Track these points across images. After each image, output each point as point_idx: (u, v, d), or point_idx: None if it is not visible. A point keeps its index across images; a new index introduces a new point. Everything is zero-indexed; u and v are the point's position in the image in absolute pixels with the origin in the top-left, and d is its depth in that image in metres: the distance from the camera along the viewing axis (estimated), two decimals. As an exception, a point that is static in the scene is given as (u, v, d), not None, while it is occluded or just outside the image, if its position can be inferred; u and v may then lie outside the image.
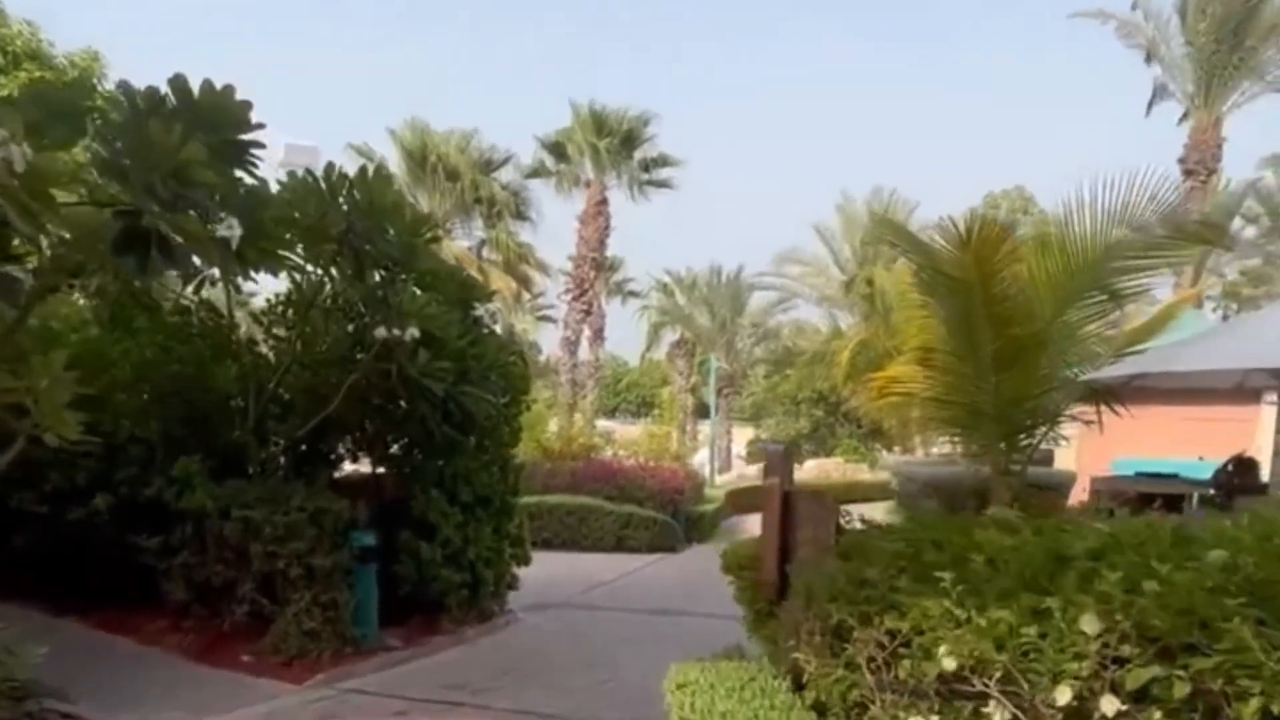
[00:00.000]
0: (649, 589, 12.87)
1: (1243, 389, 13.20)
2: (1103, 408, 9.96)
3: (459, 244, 31.83)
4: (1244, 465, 10.91)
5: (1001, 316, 8.65)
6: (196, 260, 7.67)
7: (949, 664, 3.21)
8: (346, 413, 8.77)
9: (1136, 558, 3.19)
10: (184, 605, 8.50)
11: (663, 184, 34.61)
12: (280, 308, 9.15)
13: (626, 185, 34.36)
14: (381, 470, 9.90)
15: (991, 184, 47.91)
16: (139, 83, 6.39)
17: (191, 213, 5.96)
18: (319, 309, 8.81)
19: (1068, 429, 10.34)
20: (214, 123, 6.39)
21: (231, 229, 6.06)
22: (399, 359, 7.77)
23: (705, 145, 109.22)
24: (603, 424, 34.48)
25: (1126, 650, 2.90)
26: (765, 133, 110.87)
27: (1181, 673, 2.84)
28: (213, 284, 8.33)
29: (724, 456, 40.70)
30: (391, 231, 7.78)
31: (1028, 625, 3.10)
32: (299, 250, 7.91)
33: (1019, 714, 3.10)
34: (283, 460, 9.03)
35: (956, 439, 10.80)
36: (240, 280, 8.12)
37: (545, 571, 11.37)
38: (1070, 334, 9.32)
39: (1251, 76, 25.50)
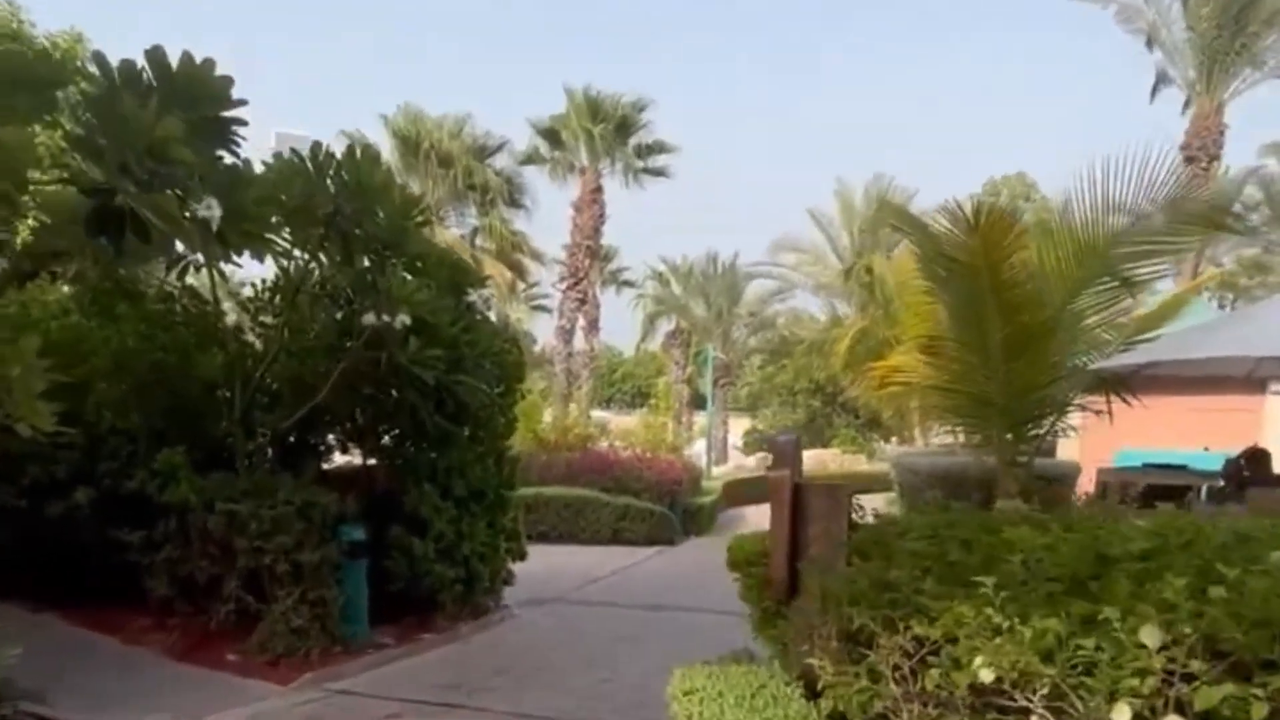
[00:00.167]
0: (648, 583, 12.64)
1: (1249, 380, 13.01)
2: (1113, 397, 9.75)
3: (452, 232, 31.40)
4: (1257, 457, 10.67)
5: (1011, 303, 8.42)
6: (180, 246, 7.49)
7: (986, 676, 2.92)
8: (335, 403, 8.52)
9: (1189, 558, 2.90)
10: (168, 602, 8.26)
11: (658, 172, 34.23)
12: (267, 294, 8.86)
13: (621, 172, 34.00)
14: (372, 462, 9.65)
15: (990, 172, 47.37)
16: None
17: (169, 192, 5.70)
18: (306, 295, 8.52)
19: (1073, 419, 10.10)
20: (193, 98, 6.12)
21: (211, 209, 5.80)
22: (389, 346, 7.51)
23: (701, 132, 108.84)
24: (597, 415, 34.34)
25: (1196, 666, 2.62)
26: (761, 119, 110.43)
27: (1259, 691, 2.56)
28: (197, 270, 8.05)
29: (720, 448, 40.47)
30: (381, 214, 7.51)
31: (1082, 636, 2.81)
32: (285, 234, 7.65)
33: (1067, 734, 2.81)
34: (270, 452, 8.76)
35: (961, 429, 10.54)
36: (227, 266, 7.86)
37: (541, 565, 11.13)
38: (1080, 321, 9.12)
39: (1254, 64, 25.24)
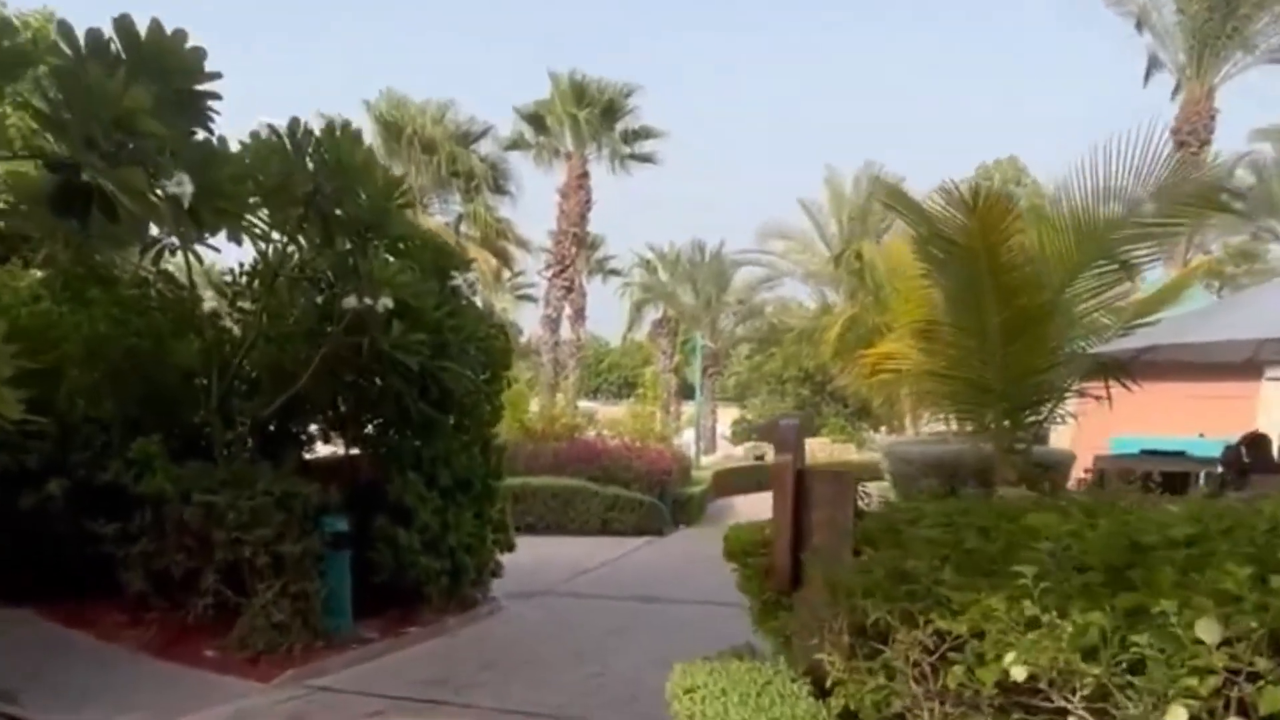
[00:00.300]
0: (638, 574, 12.43)
1: (1245, 365, 12.86)
2: (1112, 383, 9.60)
3: (436, 219, 31.05)
4: (1257, 442, 10.49)
5: (1009, 286, 8.29)
6: (155, 230, 7.19)
7: (1019, 673, 2.67)
8: (316, 390, 8.26)
9: (1235, 546, 2.67)
10: (144, 596, 8.02)
11: (645, 158, 33.95)
12: (245, 279, 8.58)
13: (608, 158, 33.71)
14: (355, 452, 9.40)
15: (981, 159, 47.15)
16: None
17: (137, 167, 5.40)
18: (285, 279, 8.24)
19: (1070, 405, 9.94)
20: (163, 70, 5.81)
21: (182, 185, 5.50)
22: (371, 331, 7.25)
23: (687, 119, 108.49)
24: (584, 405, 34.07)
25: (1261, 664, 2.38)
26: (747, 107, 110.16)
27: (1335, 693, 2.31)
28: (172, 254, 7.76)
29: (709, 437, 40.33)
30: (362, 194, 7.23)
31: (1128, 631, 2.57)
32: (263, 215, 7.36)
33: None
34: (249, 441, 8.47)
35: (957, 416, 10.38)
36: (208, 255, 7.62)
37: (529, 557, 10.88)
38: (1079, 305, 8.97)
39: (1245, 47, 25.11)
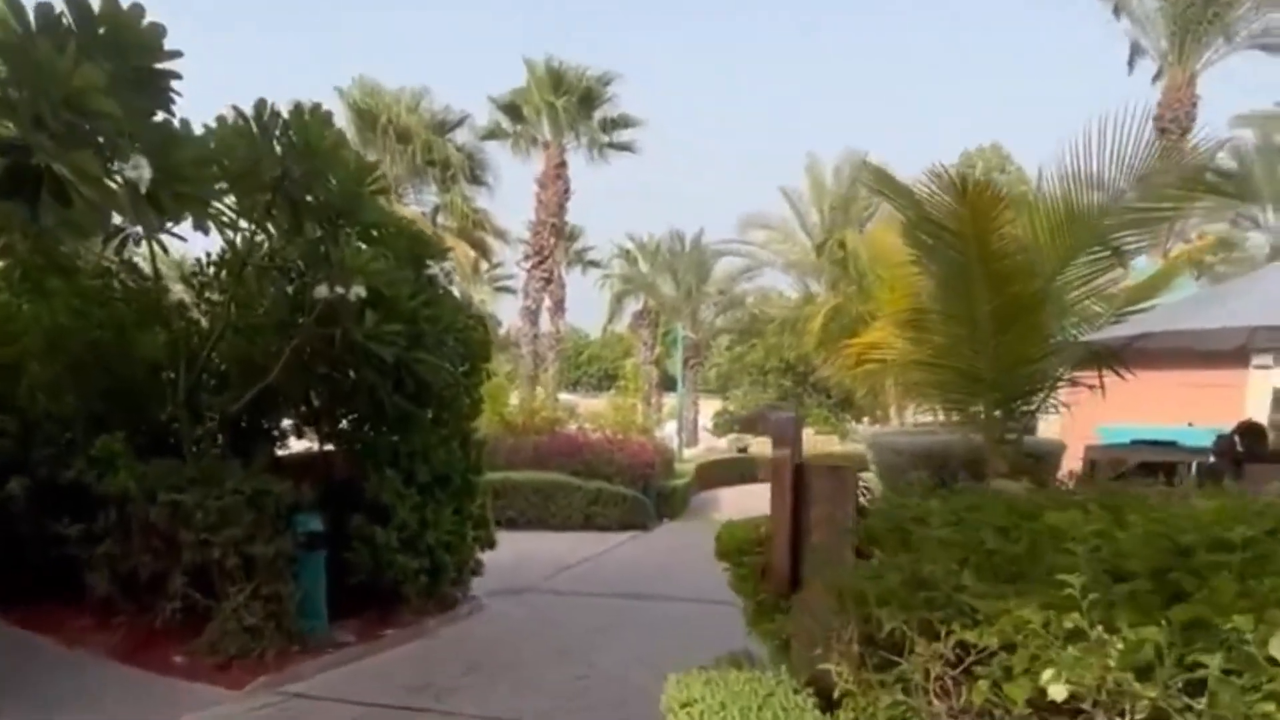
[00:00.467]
0: (622, 571, 12.19)
1: (1236, 354, 12.73)
2: (1105, 371, 9.42)
3: (411, 209, 30.58)
4: (1251, 432, 10.31)
5: (1000, 273, 8.09)
6: (118, 219, 6.86)
7: (1058, 692, 2.42)
8: (288, 383, 7.96)
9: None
10: (110, 599, 7.73)
11: (624, 147, 33.54)
12: (212, 269, 8.26)
13: (586, 147, 33.30)
14: (330, 448, 9.08)
15: (963, 148, 46.98)
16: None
17: (90, 149, 5.10)
18: (254, 268, 7.92)
19: (1061, 394, 9.75)
20: (119, 46, 5.51)
21: (139, 169, 5.19)
22: (344, 321, 6.96)
23: (666, 108, 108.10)
24: (565, 398, 33.86)
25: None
26: (728, 95, 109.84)
27: None
28: (137, 243, 7.43)
29: (691, 429, 40.11)
30: (332, 179, 6.93)
31: (1184, 647, 2.31)
32: (229, 201, 7.04)
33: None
34: (219, 438, 8.17)
35: (945, 406, 10.18)
36: (178, 247, 7.31)
37: (511, 553, 10.59)
38: (1070, 292, 8.79)
39: (1226, 34, 25.01)
